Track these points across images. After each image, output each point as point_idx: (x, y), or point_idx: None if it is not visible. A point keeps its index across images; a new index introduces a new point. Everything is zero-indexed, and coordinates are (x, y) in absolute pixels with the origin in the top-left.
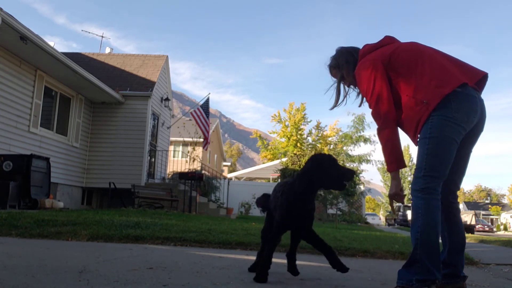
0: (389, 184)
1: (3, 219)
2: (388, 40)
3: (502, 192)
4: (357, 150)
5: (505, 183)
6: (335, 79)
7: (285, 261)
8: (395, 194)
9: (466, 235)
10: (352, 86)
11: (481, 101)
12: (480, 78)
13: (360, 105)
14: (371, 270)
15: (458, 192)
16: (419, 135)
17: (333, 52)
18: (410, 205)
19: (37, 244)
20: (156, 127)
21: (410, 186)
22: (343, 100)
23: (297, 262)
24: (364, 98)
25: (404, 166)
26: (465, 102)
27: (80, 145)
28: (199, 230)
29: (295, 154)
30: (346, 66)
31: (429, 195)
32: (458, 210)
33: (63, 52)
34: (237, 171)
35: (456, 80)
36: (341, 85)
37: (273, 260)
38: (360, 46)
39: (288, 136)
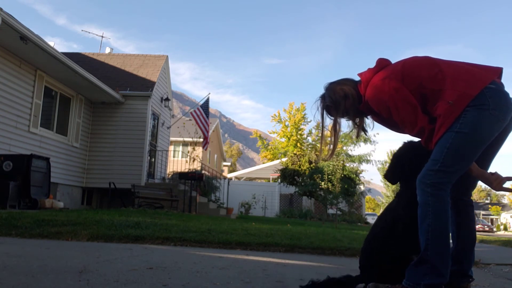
0: (389, 185)
1: (3, 219)
2: (385, 62)
3: (502, 192)
4: (357, 150)
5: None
6: (320, 122)
7: (285, 261)
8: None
9: None
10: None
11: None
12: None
13: (357, 136)
14: None
15: None
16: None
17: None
18: None
19: (37, 244)
20: (156, 127)
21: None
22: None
23: (297, 262)
24: (362, 128)
25: None
26: (502, 100)
27: (80, 145)
28: (199, 230)
29: (295, 154)
30: (344, 101)
31: (439, 191)
32: (472, 207)
33: (63, 52)
34: (237, 171)
35: (483, 79)
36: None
37: (273, 260)
38: (361, 47)
39: (288, 136)
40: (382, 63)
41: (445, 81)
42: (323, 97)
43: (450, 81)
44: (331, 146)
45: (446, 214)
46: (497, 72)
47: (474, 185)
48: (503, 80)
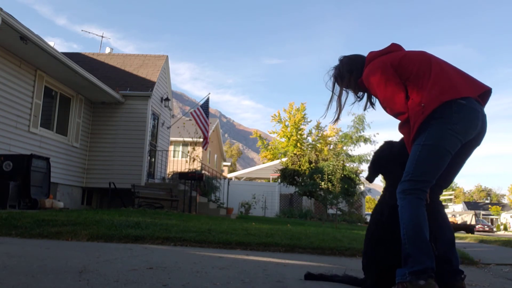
0: None
1: (3, 219)
2: (395, 47)
3: (502, 192)
4: (357, 150)
5: (505, 183)
6: (330, 89)
7: (285, 261)
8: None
9: (466, 235)
10: (351, 92)
11: (483, 116)
12: (484, 92)
13: (365, 109)
14: None
15: (458, 192)
16: (413, 138)
17: (335, 60)
18: None
19: (37, 244)
20: (156, 127)
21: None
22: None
23: (297, 262)
24: (370, 101)
25: None
26: (467, 115)
27: (80, 145)
28: (199, 230)
29: (295, 154)
30: (348, 75)
31: (409, 195)
32: (442, 206)
33: (63, 52)
34: (237, 171)
35: (457, 91)
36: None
37: (273, 260)
38: (361, 47)
39: (288, 136)
40: (392, 48)
41: (428, 83)
42: (335, 68)
43: (431, 84)
44: (337, 114)
45: (418, 210)
46: (479, 90)
47: (441, 192)
48: (503, 81)
